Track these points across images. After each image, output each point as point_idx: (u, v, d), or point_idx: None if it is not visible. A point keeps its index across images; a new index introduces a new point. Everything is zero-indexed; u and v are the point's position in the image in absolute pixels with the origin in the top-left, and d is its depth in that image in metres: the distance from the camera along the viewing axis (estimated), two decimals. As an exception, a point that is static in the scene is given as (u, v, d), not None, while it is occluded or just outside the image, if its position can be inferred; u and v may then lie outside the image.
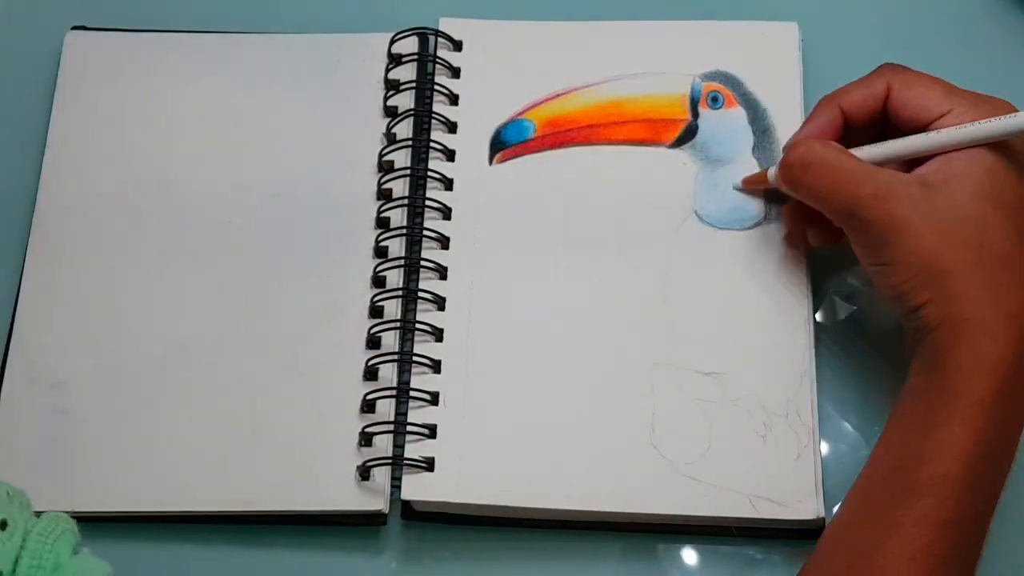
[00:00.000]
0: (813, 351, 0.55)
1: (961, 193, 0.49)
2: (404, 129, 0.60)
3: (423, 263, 0.57)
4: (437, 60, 0.61)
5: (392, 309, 0.57)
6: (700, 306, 0.56)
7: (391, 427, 0.55)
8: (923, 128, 0.52)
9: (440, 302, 0.57)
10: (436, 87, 0.61)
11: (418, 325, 0.56)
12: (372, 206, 0.59)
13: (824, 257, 0.58)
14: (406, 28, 0.62)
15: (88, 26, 0.64)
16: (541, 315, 0.56)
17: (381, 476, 0.54)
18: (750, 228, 0.57)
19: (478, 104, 0.61)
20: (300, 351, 0.57)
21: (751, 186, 0.57)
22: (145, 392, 0.57)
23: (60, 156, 0.61)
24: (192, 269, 0.59)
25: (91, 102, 0.62)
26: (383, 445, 0.55)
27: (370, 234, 0.59)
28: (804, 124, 0.55)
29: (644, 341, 0.56)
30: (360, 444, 0.55)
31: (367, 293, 0.57)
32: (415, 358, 0.56)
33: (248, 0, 0.65)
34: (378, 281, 0.58)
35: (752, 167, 0.58)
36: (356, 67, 0.62)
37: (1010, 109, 0.51)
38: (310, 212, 0.59)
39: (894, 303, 0.50)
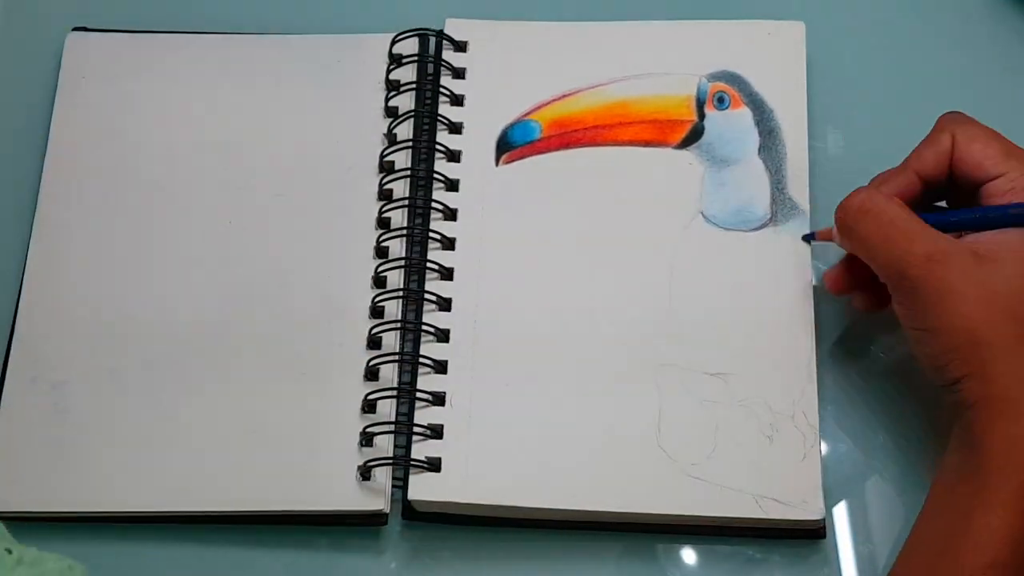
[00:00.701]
0: (816, 353, 0.55)
1: (1013, 267, 0.48)
2: (405, 130, 0.60)
3: (428, 264, 0.57)
4: (441, 62, 0.61)
5: (393, 310, 0.57)
6: (706, 307, 0.56)
7: (392, 427, 0.54)
8: (977, 185, 0.51)
9: (444, 303, 0.57)
10: (439, 88, 0.61)
11: (424, 326, 0.56)
12: (373, 207, 0.59)
13: (827, 259, 0.57)
14: (410, 29, 0.62)
15: (89, 27, 0.64)
16: (547, 316, 0.56)
17: (382, 476, 0.54)
18: (756, 229, 0.57)
19: (484, 105, 0.60)
20: (301, 352, 0.57)
21: (823, 239, 0.56)
22: (146, 392, 0.56)
23: (61, 157, 0.61)
24: (193, 270, 0.59)
25: (92, 103, 0.62)
26: (384, 445, 0.54)
27: (371, 235, 0.58)
28: (876, 187, 0.53)
29: (650, 342, 0.55)
30: (361, 444, 0.54)
31: (368, 294, 0.57)
32: (420, 358, 0.55)
33: (251, 1, 0.65)
34: (379, 282, 0.57)
35: (758, 168, 0.58)
36: (356, 68, 0.62)
37: None
38: (311, 213, 0.59)
39: (932, 373, 0.49)
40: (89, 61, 0.63)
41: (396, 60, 0.62)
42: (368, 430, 0.54)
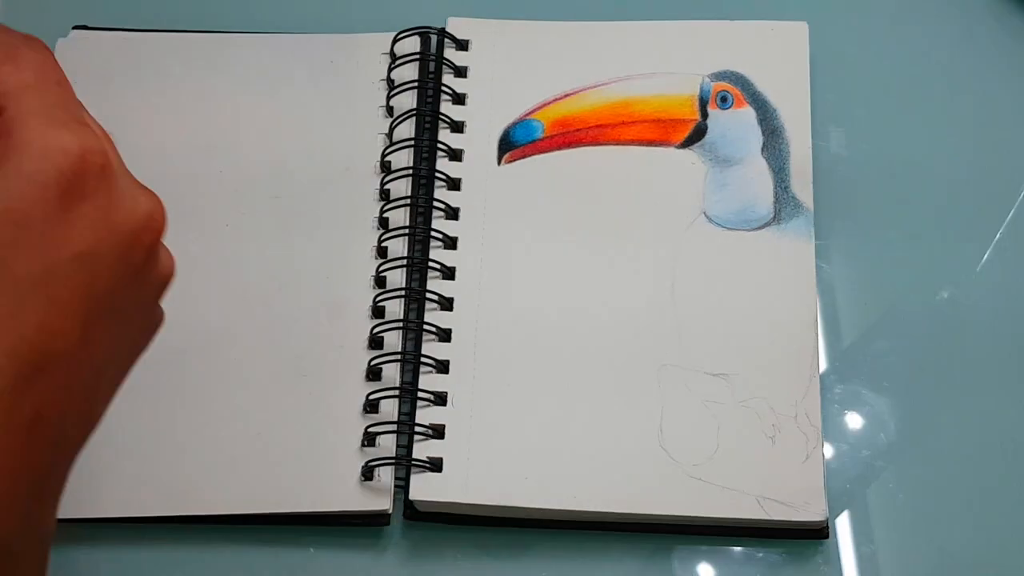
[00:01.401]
0: (819, 354, 0.55)
1: None
2: (406, 129, 0.60)
3: (430, 264, 0.57)
4: (443, 60, 0.61)
5: (394, 309, 0.57)
6: (709, 307, 0.56)
7: (395, 427, 0.54)
8: None
9: (446, 303, 0.57)
10: (441, 87, 0.61)
11: (426, 326, 0.56)
12: (373, 207, 0.59)
13: (830, 259, 0.57)
14: (411, 27, 0.61)
15: (88, 26, 0.63)
16: (549, 315, 0.56)
17: (385, 476, 0.54)
18: (759, 229, 0.57)
19: (486, 104, 0.60)
20: (302, 352, 0.56)
21: None
22: (146, 396, 0.56)
23: None
24: (191, 272, 0.58)
25: (88, 102, 0.61)
26: (387, 445, 0.54)
27: (372, 235, 0.58)
28: None
29: (652, 342, 0.55)
30: (363, 444, 0.54)
31: (369, 293, 0.57)
32: (422, 357, 0.55)
33: (251, 0, 0.65)
34: (380, 281, 0.57)
35: (761, 167, 0.58)
36: (357, 67, 0.62)
37: None
38: (311, 213, 0.59)
39: None
40: (85, 60, 0.62)
41: (397, 59, 0.61)
42: (370, 430, 0.54)
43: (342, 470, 0.54)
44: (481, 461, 0.53)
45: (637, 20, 0.62)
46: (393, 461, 0.54)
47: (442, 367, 0.55)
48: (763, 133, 0.59)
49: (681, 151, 0.59)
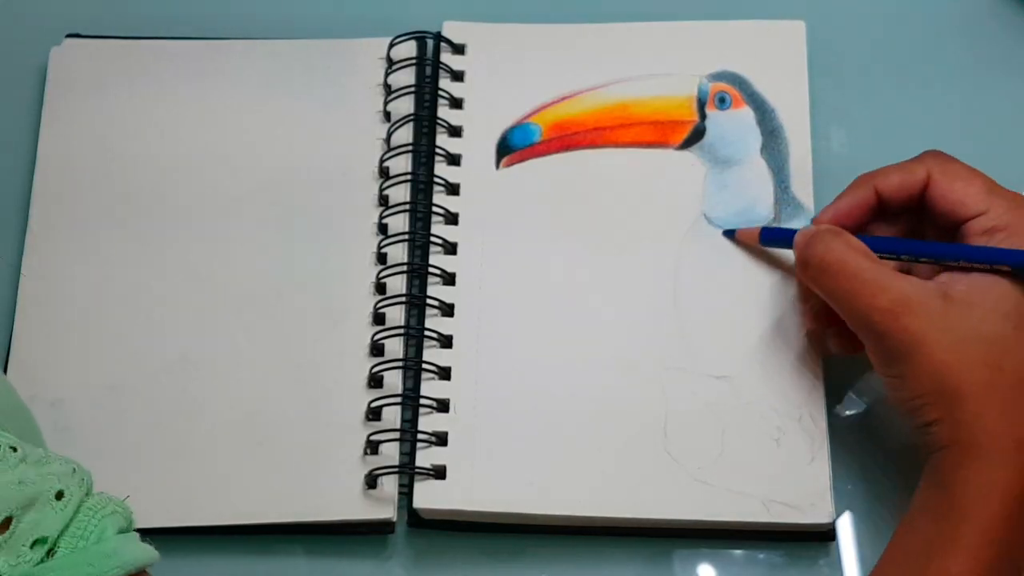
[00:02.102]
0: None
1: (983, 310, 0.48)
2: (404, 134, 0.60)
3: (430, 269, 0.57)
4: (439, 65, 0.61)
5: (395, 316, 0.56)
6: (711, 309, 0.56)
7: (397, 435, 0.54)
8: (958, 223, 0.50)
9: (447, 308, 0.56)
10: (438, 91, 0.60)
11: (427, 332, 0.56)
12: (372, 212, 0.58)
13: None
14: (407, 32, 0.61)
15: (82, 34, 0.63)
16: (551, 320, 0.56)
17: (389, 484, 0.53)
18: (760, 229, 0.57)
19: (484, 108, 0.60)
20: (303, 360, 0.56)
21: (744, 239, 0.56)
22: (147, 407, 0.56)
23: (51, 169, 0.60)
24: (190, 280, 0.58)
25: (82, 112, 0.61)
26: (390, 453, 0.54)
27: (371, 241, 0.58)
28: (836, 200, 0.53)
29: (655, 345, 0.55)
30: (366, 452, 0.54)
31: (369, 300, 0.57)
32: (423, 364, 0.55)
33: (247, 7, 0.65)
34: (380, 288, 0.57)
35: (760, 167, 0.58)
36: (353, 72, 0.61)
37: None
38: (309, 220, 0.59)
39: (906, 415, 0.49)
40: (79, 69, 0.62)
41: (393, 63, 0.61)
42: (373, 438, 0.54)
43: (345, 479, 0.54)
44: (485, 468, 0.53)
45: (633, 22, 0.61)
46: (397, 469, 0.53)
47: (444, 373, 0.55)
48: (762, 133, 0.58)
49: (680, 152, 0.59)
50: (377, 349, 0.56)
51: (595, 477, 0.53)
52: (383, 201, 0.59)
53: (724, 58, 0.60)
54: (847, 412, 0.56)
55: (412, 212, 0.58)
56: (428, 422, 0.54)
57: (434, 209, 0.58)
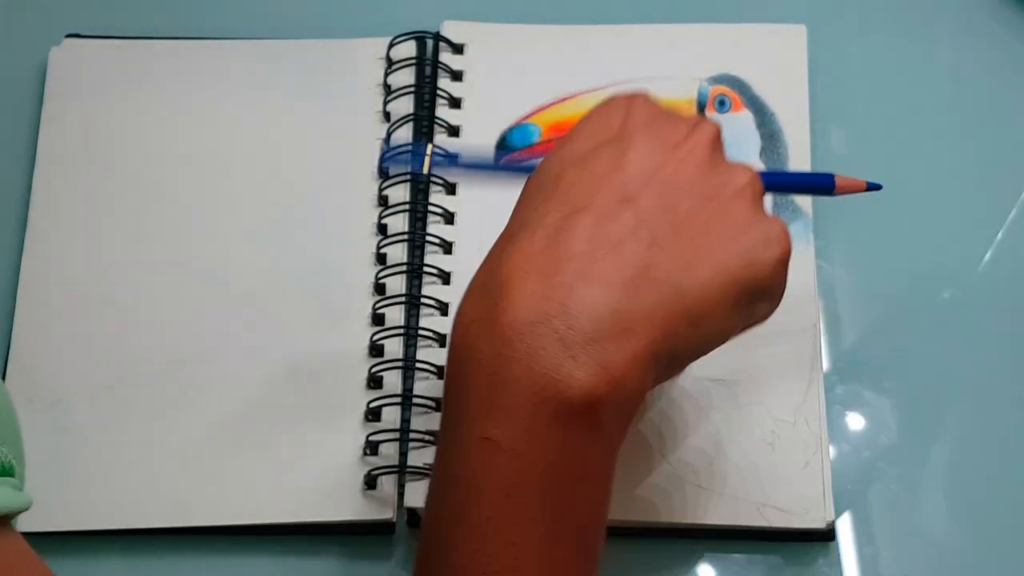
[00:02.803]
0: (821, 357, 0.55)
1: None
2: (403, 134, 0.60)
3: (426, 269, 0.57)
4: (439, 64, 0.61)
5: (394, 316, 0.57)
6: (708, 312, 0.56)
7: (396, 435, 0.54)
8: None
9: (444, 307, 0.56)
10: (437, 91, 0.60)
11: (421, 331, 0.56)
12: (371, 213, 0.59)
13: (831, 259, 0.57)
14: (406, 32, 0.61)
15: (81, 34, 0.63)
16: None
17: (388, 484, 0.54)
18: (758, 233, 0.57)
19: (483, 108, 0.60)
20: (302, 361, 0.56)
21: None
22: (147, 407, 0.56)
23: (50, 170, 0.60)
24: (190, 281, 0.58)
25: (82, 111, 0.61)
26: (389, 453, 0.54)
27: (370, 241, 0.58)
28: None
29: (652, 347, 0.55)
30: (365, 452, 0.54)
31: (369, 300, 0.57)
32: (419, 364, 0.55)
33: (246, 7, 0.65)
34: (379, 288, 0.57)
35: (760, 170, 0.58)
36: (353, 72, 0.61)
37: None
38: (308, 220, 0.59)
39: None
40: (78, 69, 0.62)
41: (393, 63, 0.61)
42: (372, 438, 0.54)
43: (344, 479, 0.54)
44: None
45: (634, 24, 0.61)
46: (396, 470, 0.54)
47: (442, 373, 0.55)
48: (761, 137, 0.58)
49: (679, 155, 0.58)
50: (376, 350, 0.56)
51: (591, 479, 0.53)
52: (382, 201, 0.59)
53: (724, 61, 0.60)
54: (847, 412, 0.56)
55: (412, 212, 0.58)
56: (425, 421, 0.54)
57: (432, 209, 0.58)
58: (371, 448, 0.54)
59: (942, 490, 0.55)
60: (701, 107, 0.59)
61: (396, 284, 0.57)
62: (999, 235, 0.59)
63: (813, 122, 0.59)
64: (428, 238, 0.57)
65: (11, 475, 0.39)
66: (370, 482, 0.54)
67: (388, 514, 0.53)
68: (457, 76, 0.61)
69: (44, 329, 0.58)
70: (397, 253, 0.58)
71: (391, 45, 0.61)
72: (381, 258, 0.58)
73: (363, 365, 0.56)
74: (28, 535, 0.54)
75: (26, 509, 0.39)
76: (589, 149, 0.43)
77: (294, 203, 0.59)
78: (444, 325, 0.56)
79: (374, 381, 0.56)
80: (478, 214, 0.58)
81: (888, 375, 0.56)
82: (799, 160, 0.58)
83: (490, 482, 0.40)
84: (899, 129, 0.61)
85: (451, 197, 0.59)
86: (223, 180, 0.60)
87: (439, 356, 0.56)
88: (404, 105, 0.60)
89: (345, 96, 0.61)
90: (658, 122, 0.44)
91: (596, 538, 0.42)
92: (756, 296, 0.43)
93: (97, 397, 0.56)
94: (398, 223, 0.58)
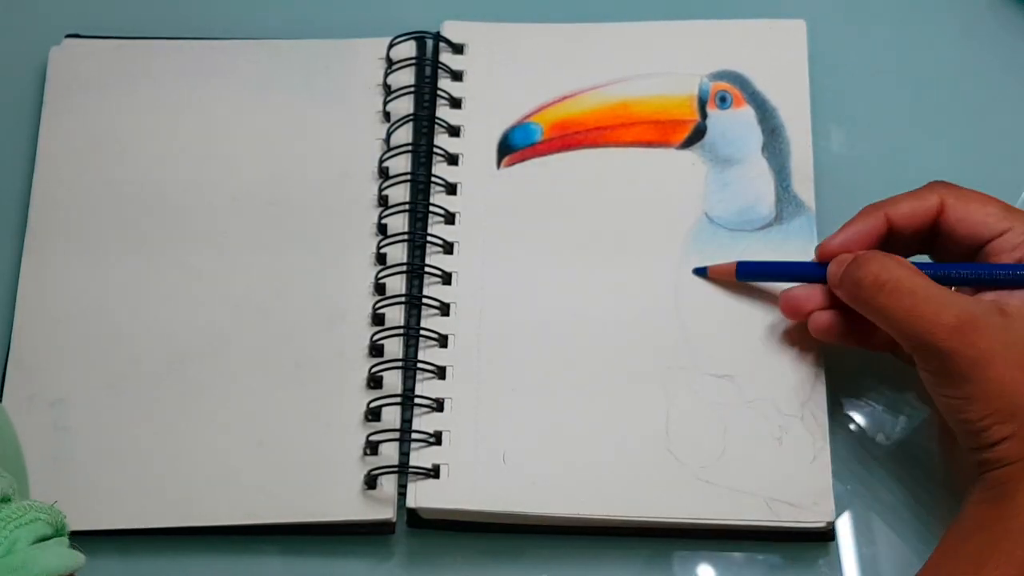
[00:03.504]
0: (824, 351, 0.55)
1: None
2: (403, 134, 0.60)
3: (427, 269, 0.57)
4: (439, 64, 0.61)
5: (394, 316, 0.56)
6: (712, 308, 0.55)
7: (397, 435, 0.54)
8: (979, 245, 0.50)
9: (445, 308, 0.56)
10: (438, 91, 0.60)
11: (423, 331, 0.56)
12: (371, 213, 0.58)
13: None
14: (406, 32, 0.61)
15: (81, 34, 0.63)
16: (551, 319, 0.56)
17: (388, 484, 0.53)
18: (761, 229, 0.57)
19: (483, 108, 0.60)
20: (302, 361, 0.56)
21: (718, 275, 0.56)
22: (146, 406, 0.56)
23: (51, 169, 0.60)
24: (189, 281, 0.58)
25: (82, 111, 0.61)
26: (389, 453, 0.54)
27: (370, 241, 0.58)
28: (844, 228, 0.52)
29: (656, 344, 0.55)
30: (365, 452, 0.54)
31: (368, 300, 0.57)
32: (420, 364, 0.55)
33: (246, 6, 0.65)
34: (379, 288, 0.57)
35: (762, 166, 0.58)
36: (353, 72, 0.61)
37: None
38: (308, 220, 0.59)
39: (967, 437, 0.48)
40: (78, 69, 0.62)
41: (393, 63, 0.61)
42: (372, 438, 0.54)
43: (344, 479, 0.53)
44: (481, 467, 0.53)
45: (634, 21, 0.61)
46: (396, 469, 0.53)
47: (443, 373, 0.55)
48: (763, 132, 0.58)
49: (681, 152, 0.59)
50: (376, 350, 0.56)
51: (596, 476, 0.53)
52: (382, 201, 0.59)
53: (725, 57, 0.60)
54: (846, 412, 0.56)
55: (412, 212, 0.58)
56: (427, 421, 0.54)
57: (433, 209, 0.58)
58: (371, 448, 0.54)
59: (942, 488, 0.54)
60: (702, 103, 0.59)
61: (396, 284, 0.57)
62: (1001, 233, 0.59)
63: (814, 118, 0.59)
64: (428, 238, 0.57)
65: (63, 535, 0.39)
66: (370, 482, 0.53)
67: (388, 514, 0.53)
68: (457, 76, 0.61)
69: (44, 329, 0.57)
70: (397, 253, 0.58)
71: (391, 45, 0.61)
72: (381, 258, 0.58)
73: (363, 365, 0.55)
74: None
75: (81, 567, 0.39)
76: None
77: (294, 202, 0.59)
78: (444, 325, 0.56)
79: (374, 381, 0.55)
80: (478, 214, 0.58)
81: (888, 374, 0.56)
82: (801, 155, 0.58)
83: None
84: (899, 125, 0.61)
85: (451, 197, 0.58)
86: (223, 180, 0.60)
87: (439, 356, 0.55)
88: (404, 105, 0.60)
89: (345, 96, 0.61)
90: None
91: None
92: None
93: (97, 397, 0.56)
94: (398, 223, 0.58)
